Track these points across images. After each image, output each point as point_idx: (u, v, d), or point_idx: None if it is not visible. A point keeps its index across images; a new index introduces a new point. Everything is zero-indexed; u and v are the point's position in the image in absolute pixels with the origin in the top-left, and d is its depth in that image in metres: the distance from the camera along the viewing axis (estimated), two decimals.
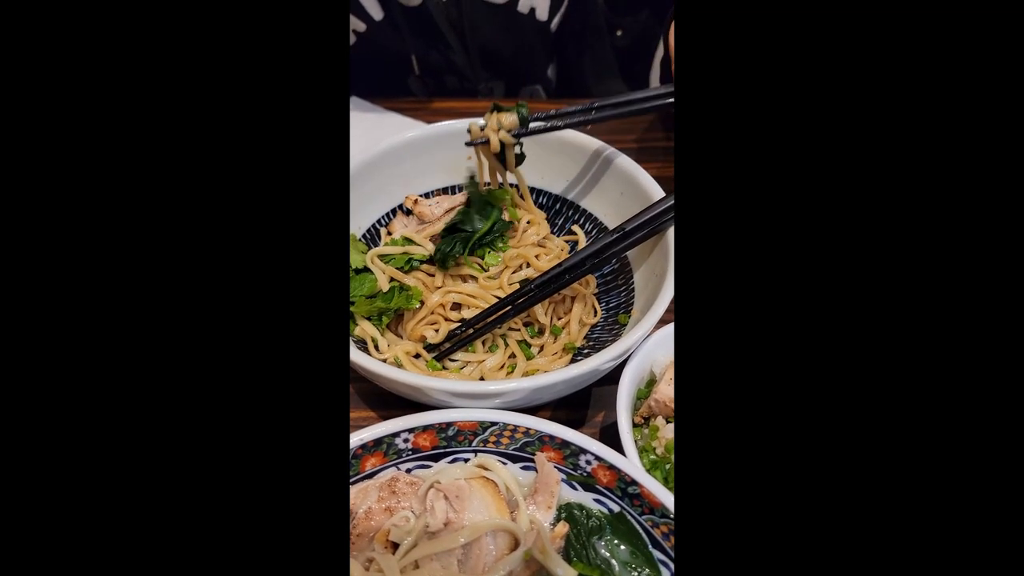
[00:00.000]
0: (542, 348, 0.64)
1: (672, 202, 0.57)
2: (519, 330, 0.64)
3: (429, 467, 0.51)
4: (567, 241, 0.71)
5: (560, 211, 0.73)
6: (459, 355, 0.62)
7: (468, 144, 0.63)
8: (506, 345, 0.63)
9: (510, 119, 0.60)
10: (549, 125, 0.62)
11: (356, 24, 0.91)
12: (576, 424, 0.58)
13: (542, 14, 0.89)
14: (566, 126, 0.63)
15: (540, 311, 0.63)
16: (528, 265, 0.66)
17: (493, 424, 0.50)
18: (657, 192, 0.61)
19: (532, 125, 0.61)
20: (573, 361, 0.61)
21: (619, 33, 0.99)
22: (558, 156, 0.69)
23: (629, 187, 0.65)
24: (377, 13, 0.89)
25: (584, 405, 0.62)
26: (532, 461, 0.50)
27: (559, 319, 0.65)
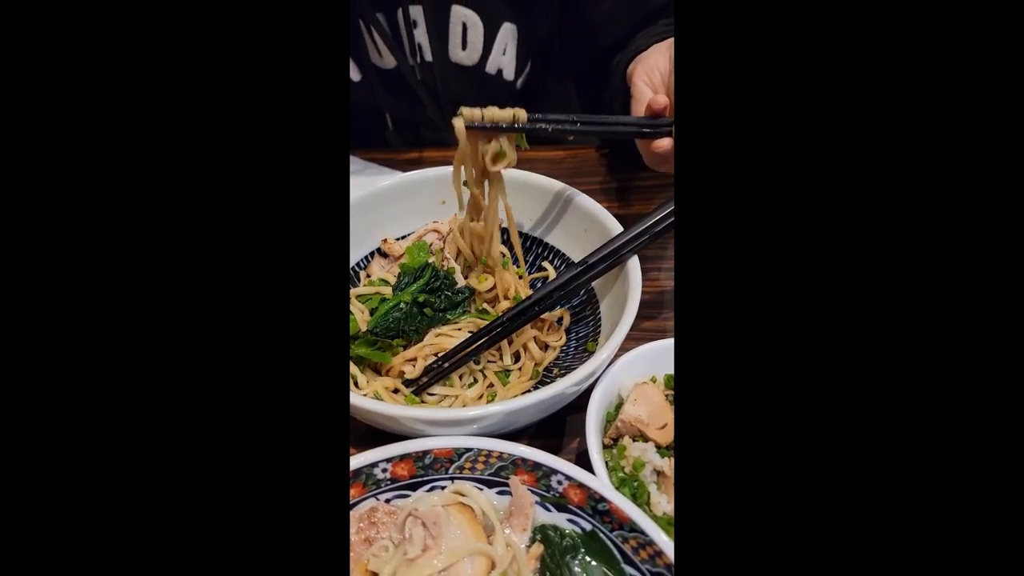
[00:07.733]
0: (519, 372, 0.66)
1: (628, 236, 0.62)
2: (495, 361, 0.67)
3: (408, 496, 0.52)
4: (541, 277, 0.75)
5: (531, 248, 0.77)
6: (437, 389, 0.65)
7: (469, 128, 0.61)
8: (484, 378, 0.66)
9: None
10: (536, 127, 0.62)
11: None
12: (552, 451, 0.59)
13: (508, 75, 0.97)
14: (552, 131, 0.64)
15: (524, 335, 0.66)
16: (507, 297, 0.70)
17: (468, 450, 0.52)
18: (616, 227, 0.66)
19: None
20: (541, 385, 0.64)
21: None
22: (524, 197, 0.73)
23: (591, 224, 0.69)
24: (355, 75, 0.96)
25: (560, 433, 0.64)
26: (507, 485, 0.52)
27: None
